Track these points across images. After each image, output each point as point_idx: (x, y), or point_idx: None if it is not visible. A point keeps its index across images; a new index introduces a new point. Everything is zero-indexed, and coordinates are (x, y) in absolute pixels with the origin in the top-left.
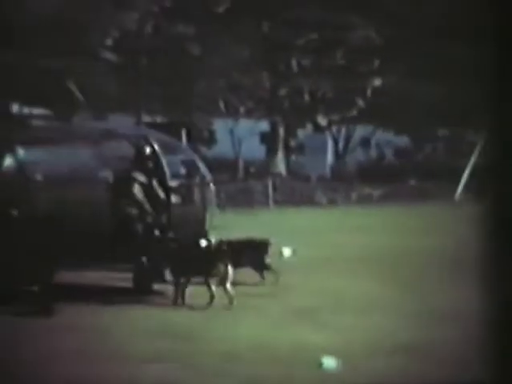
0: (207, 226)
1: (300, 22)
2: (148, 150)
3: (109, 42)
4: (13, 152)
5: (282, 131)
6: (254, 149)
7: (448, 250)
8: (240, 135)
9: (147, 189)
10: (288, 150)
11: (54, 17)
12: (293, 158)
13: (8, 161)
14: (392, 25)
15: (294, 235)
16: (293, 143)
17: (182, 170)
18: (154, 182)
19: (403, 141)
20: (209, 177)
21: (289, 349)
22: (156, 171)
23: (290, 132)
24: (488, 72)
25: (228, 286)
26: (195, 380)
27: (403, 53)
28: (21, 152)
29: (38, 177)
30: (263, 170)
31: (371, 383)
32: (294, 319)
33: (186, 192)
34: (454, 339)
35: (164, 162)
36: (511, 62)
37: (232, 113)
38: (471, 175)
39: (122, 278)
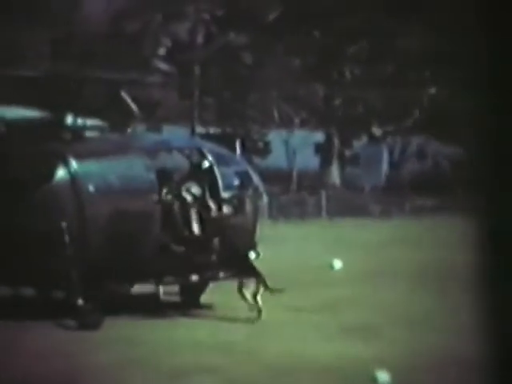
0: (256, 237)
1: (352, 31)
2: (202, 162)
3: (161, 52)
4: (66, 164)
5: (336, 142)
6: (308, 160)
7: None
8: (294, 146)
9: (200, 200)
10: (342, 161)
11: (109, 28)
12: (347, 168)
13: (61, 173)
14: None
15: (346, 247)
16: (347, 154)
17: (236, 181)
18: (207, 194)
19: (458, 151)
20: (262, 188)
21: (341, 363)
22: (209, 182)
23: (345, 143)
24: None
25: (258, 298)
26: None
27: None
28: (74, 164)
29: (91, 189)
30: (317, 181)
31: None
32: (346, 333)
33: (237, 203)
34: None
35: (217, 173)
36: None
37: (286, 123)
38: None
39: (169, 292)
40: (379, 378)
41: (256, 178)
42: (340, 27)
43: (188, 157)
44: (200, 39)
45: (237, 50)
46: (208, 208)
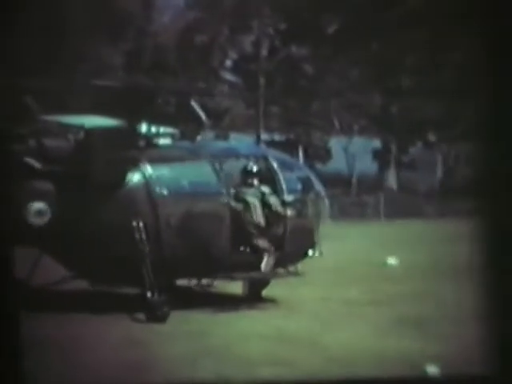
0: (317, 238)
1: (408, 42)
2: (266, 165)
3: (228, 63)
4: (141, 169)
5: (393, 148)
6: (367, 165)
7: None
8: (354, 152)
9: (266, 203)
10: (399, 166)
11: (179, 41)
12: (403, 173)
13: (136, 177)
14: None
15: (403, 245)
16: (404, 159)
17: (298, 186)
18: (273, 197)
19: None
20: (323, 192)
21: (393, 356)
22: (274, 186)
23: (401, 149)
24: None
25: None
26: None
27: None
28: (148, 168)
29: (164, 191)
30: (375, 184)
31: None
32: (399, 326)
33: (300, 206)
34: None
35: (281, 178)
36: None
37: (346, 131)
38: None
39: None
40: (429, 371)
41: (317, 183)
42: (398, 39)
43: (254, 163)
44: (264, 51)
45: (299, 62)
46: (275, 210)
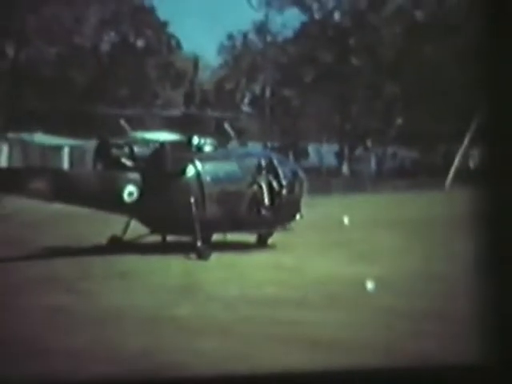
0: (300, 206)
1: (356, 89)
2: (271, 163)
3: (246, 100)
4: (194, 165)
5: (346, 151)
6: (331, 160)
7: None
8: (323, 153)
9: (270, 183)
10: (350, 161)
11: (216, 86)
12: (352, 165)
13: (191, 170)
14: None
15: (352, 209)
16: (352, 157)
17: (290, 175)
18: (274, 181)
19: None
20: (304, 178)
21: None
22: (275, 175)
23: (351, 151)
24: None
25: None
26: None
27: None
28: (198, 165)
29: (208, 179)
30: (336, 172)
31: None
32: (358, 260)
33: (291, 187)
34: None
35: (280, 170)
36: None
37: (318, 140)
38: None
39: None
40: (368, 285)
41: (301, 172)
42: (352, 84)
43: (263, 161)
44: (267, 93)
45: (289, 99)
46: (275, 189)
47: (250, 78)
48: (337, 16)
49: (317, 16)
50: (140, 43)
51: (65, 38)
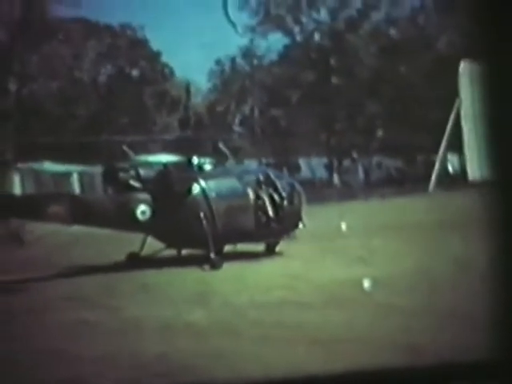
0: (301, 216)
1: (335, 111)
2: (268, 177)
3: (237, 121)
4: (199, 183)
5: (335, 163)
6: (322, 173)
7: None
8: (313, 166)
9: (272, 197)
10: (339, 173)
11: (208, 110)
12: (342, 176)
13: (197, 188)
14: None
15: (347, 216)
16: (341, 169)
17: (288, 187)
18: (274, 194)
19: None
20: (301, 190)
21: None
22: (274, 188)
23: (339, 163)
24: None
25: None
26: None
27: None
28: (203, 183)
29: (213, 195)
30: (327, 184)
31: None
32: (357, 263)
33: (290, 199)
34: None
35: (278, 184)
36: None
37: (308, 154)
38: None
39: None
40: (365, 284)
41: (298, 185)
42: (335, 106)
43: (261, 175)
44: (256, 113)
45: (277, 119)
46: (276, 202)
47: (240, 100)
48: (317, 37)
49: (298, 38)
50: (136, 73)
51: (65, 73)
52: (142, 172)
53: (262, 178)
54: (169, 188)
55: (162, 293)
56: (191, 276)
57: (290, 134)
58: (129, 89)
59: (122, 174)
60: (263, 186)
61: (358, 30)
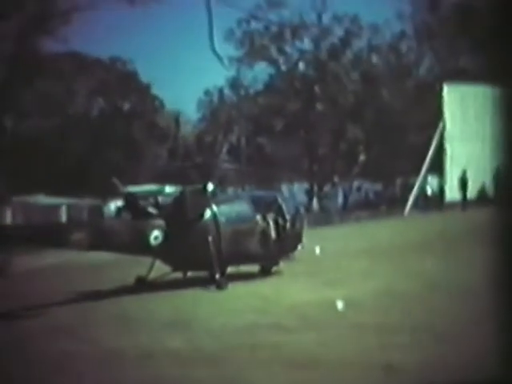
0: (302, 237)
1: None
2: (276, 201)
3: (223, 152)
4: (210, 208)
5: (315, 188)
6: (302, 198)
7: None
8: (294, 191)
9: (277, 220)
10: (319, 198)
11: (196, 142)
12: (321, 201)
13: (208, 213)
14: None
15: (326, 239)
16: (321, 194)
17: (291, 210)
18: (279, 217)
19: (379, 187)
20: (303, 212)
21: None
22: (280, 211)
23: (319, 188)
24: None
25: None
26: None
27: None
28: (214, 208)
29: (223, 220)
30: (307, 209)
31: None
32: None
33: (293, 221)
34: None
35: (284, 206)
36: None
37: (290, 180)
38: None
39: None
40: (338, 304)
41: (302, 209)
42: (315, 132)
43: (269, 199)
44: (242, 142)
45: (262, 147)
46: (280, 223)
47: (227, 130)
48: (301, 66)
49: (283, 68)
50: (126, 106)
51: (58, 109)
52: (159, 199)
53: (270, 201)
54: (183, 214)
55: (140, 319)
56: (196, 296)
57: (275, 161)
58: (119, 122)
59: (141, 202)
60: (270, 210)
61: (341, 58)
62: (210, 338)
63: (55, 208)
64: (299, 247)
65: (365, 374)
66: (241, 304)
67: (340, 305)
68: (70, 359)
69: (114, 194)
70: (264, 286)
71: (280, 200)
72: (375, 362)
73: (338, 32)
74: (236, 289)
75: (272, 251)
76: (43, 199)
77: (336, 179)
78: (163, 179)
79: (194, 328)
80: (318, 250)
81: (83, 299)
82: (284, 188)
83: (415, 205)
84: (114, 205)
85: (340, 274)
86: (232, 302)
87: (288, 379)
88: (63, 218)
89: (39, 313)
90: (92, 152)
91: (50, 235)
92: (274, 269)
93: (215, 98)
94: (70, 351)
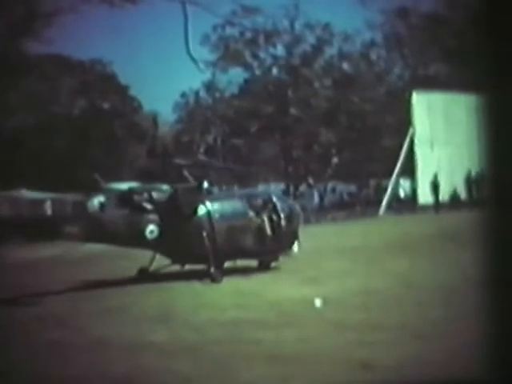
0: (298, 235)
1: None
2: (270, 199)
3: (201, 150)
4: (205, 205)
5: (292, 188)
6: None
7: None
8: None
9: (271, 217)
10: (295, 198)
11: (174, 141)
12: (298, 201)
13: (202, 209)
14: None
15: (306, 237)
16: (297, 194)
17: (286, 209)
18: (274, 215)
19: (352, 189)
20: (299, 210)
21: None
22: (274, 209)
23: (296, 188)
24: None
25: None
26: None
27: None
28: (208, 205)
29: (217, 216)
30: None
31: None
32: (307, 283)
33: (289, 219)
34: None
35: (278, 204)
36: None
37: (267, 181)
38: None
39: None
40: (316, 302)
41: (297, 206)
42: (292, 137)
43: (264, 198)
44: (219, 143)
45: (238, 148)
46: (275, 221)
47: (204, 131)
48: (275, 71)
49: (257, 72)
50: (106, 106)
51: (42, 107)
52: (154, 195)
53: (264, 199)
54: (177, 210)
55: (126, 313)
56: (192, 288)
57: (251, 161)
58: (100, 121)
59: (136, 197)
60: (264, 208)
61: (313, 64)
62: (193, 332)
63: (41, 202)
64: (295, 244)
65: (343, 370)
66: (222, 300)
67: (319, 302)
68: (56, 347)
69: (96, 189)
70: (244, 284)
71: (274, 198)
72: (354, 359)
73: (310, 39)
74: (223, 284)
75: (268, 247)
76: (27, 193)
77: (311, 180)
78: (144, 177)
79: (177, 321)
80: (295, 249)
81: (73, 290)
82: (260, 188)
83: (389, 207)
84: (97, 200)
85: (319, 272)
86: (217, 297)
87: (268, 373)
88: (49, 211)
89: (29, 302)
90: (74, 149)
91: (46, 228)
92: (273, 264)
93: (191, 100)
94: (57, 339)
